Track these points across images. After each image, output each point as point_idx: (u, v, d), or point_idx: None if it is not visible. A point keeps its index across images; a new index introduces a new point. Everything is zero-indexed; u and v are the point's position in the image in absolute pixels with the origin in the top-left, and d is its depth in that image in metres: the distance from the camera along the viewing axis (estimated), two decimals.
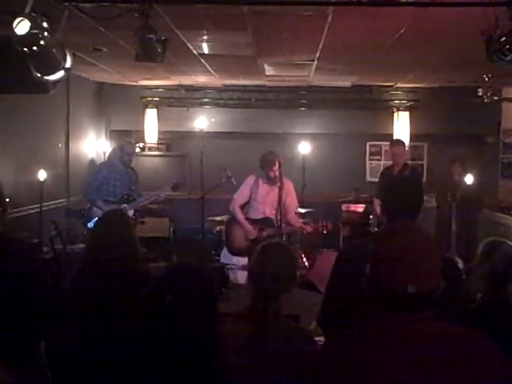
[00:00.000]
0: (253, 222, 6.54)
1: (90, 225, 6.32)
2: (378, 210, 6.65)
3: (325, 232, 7.22)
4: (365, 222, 8.29)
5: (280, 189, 6.14)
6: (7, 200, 4.34)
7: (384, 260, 1.63)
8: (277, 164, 6.18)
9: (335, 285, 2.70)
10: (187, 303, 1.98)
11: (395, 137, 9.22)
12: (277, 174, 6.18)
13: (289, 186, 6.51)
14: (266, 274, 2.54)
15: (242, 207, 6.70)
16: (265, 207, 6.51)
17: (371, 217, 7.97)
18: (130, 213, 6.45)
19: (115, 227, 3.32)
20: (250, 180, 6.61)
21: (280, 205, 6.12)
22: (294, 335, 2.45)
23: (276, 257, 2.62)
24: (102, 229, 3.41)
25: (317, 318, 2.77)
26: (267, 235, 6.14)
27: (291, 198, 6.56)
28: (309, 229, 6.53)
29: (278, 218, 6.17)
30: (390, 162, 7.83)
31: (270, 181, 6.36)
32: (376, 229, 7.20)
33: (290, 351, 2.35)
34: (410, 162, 8.37)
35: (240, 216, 6.54)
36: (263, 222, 6.48)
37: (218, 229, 8.17)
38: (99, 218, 3.68)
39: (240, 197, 6.63)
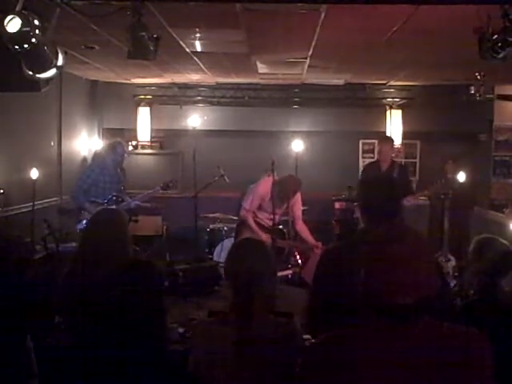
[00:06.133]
0: (265, 231, 6.50)
1: (80, 226, 6.32)
2: None
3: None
4: (350, 220, 8.25)
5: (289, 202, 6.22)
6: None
7: (377, 269, 1.61)
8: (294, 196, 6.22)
9: (319, 287, 2.66)
10: (134, 297, 1.99)
11: (388, 134, 9.24)
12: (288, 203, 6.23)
13: (297, 195, 6.46)
14: (241, 272, 2.43)
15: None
16: (272, 214, 6.41)
17: (355, 216, 7.94)
18: None
19: (107, 226, 3.30)
20: (262, 190, 6.46)
21: (272, 210, 6.13)
22: (282, 333, 2.38)
23: (251, 254, 2.51)
24: (93, 228, 3.40)
25: (305, 323, 2.72)
26: (278, 247, 6.18)
27: (298, 207, 6.54)
28: (318, 250, 6.30)
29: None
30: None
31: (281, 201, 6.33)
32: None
33: (276, 350, 2.30)
34: (402, 160, 8.43)
35: (254, 226, 6.48)
36: (274, 233, 6.39)
37: (211, 227, 8.18)
38: (91, 217, 3.66)
39: (252, 207, 6.53)
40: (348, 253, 1.72)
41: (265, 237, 6.32)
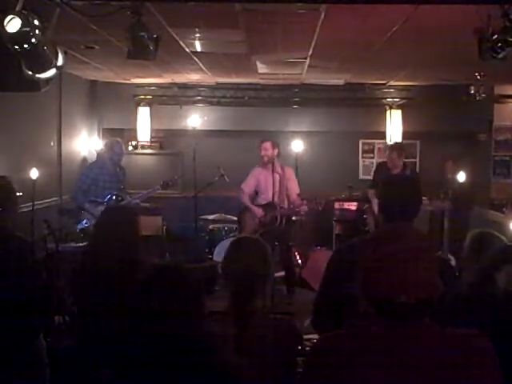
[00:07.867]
0: (258, 206, 7.13)
1: (80, 226, 6.31)
2: (376, 207, 6.67)
3: (320, 209, 7.37)
4: (358, 220, 8.30)
5: (281, 176, 6.92)
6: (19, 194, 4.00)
7: (376, 267, 1.60)
8: (261, 147, 6.93)
9: (328, 285, 2.67)
10: (174, 305, 1.95)
11: (388, 134, 9.25)
12: (265, 158, 6.96)
13: (289, 172, 7.20)
14: (239, 271, 2.40)
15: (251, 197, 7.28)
16: (269, 194, 7.01)
17: (365, 216, 7.99)
18: None
19: (117, 225, 3.28)
20: (255, 171, 7.20)
21: (274, 189, 6.85)
22: (282, 333, 2.37)
23: (248, 253, 2.47)
24: (103, 226, 3.37)
25: (311, 320, 2.74)
26: (270, 216, 6.90)
27: (292, 184, 7.14)
28: (305, 208, 7.00)
29: (277, 200, 6.89)
30: (382, 160, 7.93)
31: (265, 167, 6.99)
32: (373, 227, 7.23)
33: (275, 350, 2.29)
34: (406, 161, 8.40)
35: (247, 201, 7.13)
36: (267, 206, 7.02)
37: (211, 227, 8.17)
38: (101, 214, 3.61)
39: (246, 187, 7.19)
40: (356, 252, 1.71)
41: (258, 211, 7.02)
